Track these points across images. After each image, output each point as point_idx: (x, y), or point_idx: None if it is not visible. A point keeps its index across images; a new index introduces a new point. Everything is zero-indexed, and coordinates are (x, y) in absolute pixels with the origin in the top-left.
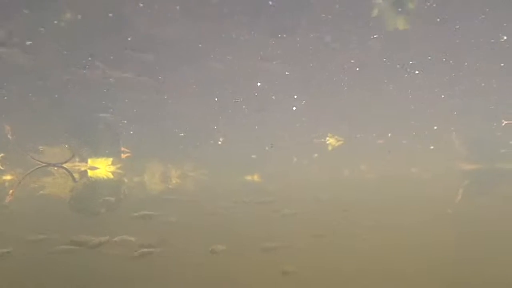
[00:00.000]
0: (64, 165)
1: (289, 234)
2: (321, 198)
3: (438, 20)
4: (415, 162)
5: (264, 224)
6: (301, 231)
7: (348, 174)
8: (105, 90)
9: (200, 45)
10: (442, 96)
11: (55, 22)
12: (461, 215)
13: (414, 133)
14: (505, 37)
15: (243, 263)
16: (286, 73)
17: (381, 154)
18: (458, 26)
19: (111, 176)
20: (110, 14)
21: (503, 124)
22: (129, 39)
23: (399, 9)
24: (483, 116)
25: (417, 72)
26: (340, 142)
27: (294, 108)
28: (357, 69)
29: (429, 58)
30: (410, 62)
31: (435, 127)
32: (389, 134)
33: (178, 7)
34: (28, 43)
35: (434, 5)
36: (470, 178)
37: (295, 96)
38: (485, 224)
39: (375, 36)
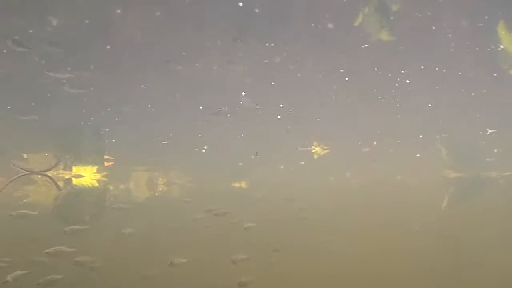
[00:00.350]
0: (48, 173)
1: (256, 246)
2: (301, 207)
3: (434, 28)
4: (401, 170)
5: (237, 235)
6: (269, 243)
7: (333, 183)
8: (85, 99)
9: (184, 54)
10: (429, 105)
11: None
12: (445, 221)
13: (398, 142)
14: (501, 46)
15: (201, 276)
16: (272, 83)
17: (367, 162)
18: (450, 35)
19: (96, 184)
20: (87, 21)
21: (488, 133)
22: (108, 47)
23: (391, 18)
24: (470, 125)
25: (408, 81)
26: (326, 151)
27: (279, 117)
28: (346, 78)
29: (422, 67)
30: (402, 72)
31: (421, 136)
32: (375, 143)
33: (159, 13)
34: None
35: (429, 13)
36: (455, 186)
37: (281, 105)
38: (469, 231)
39: (365, 45)
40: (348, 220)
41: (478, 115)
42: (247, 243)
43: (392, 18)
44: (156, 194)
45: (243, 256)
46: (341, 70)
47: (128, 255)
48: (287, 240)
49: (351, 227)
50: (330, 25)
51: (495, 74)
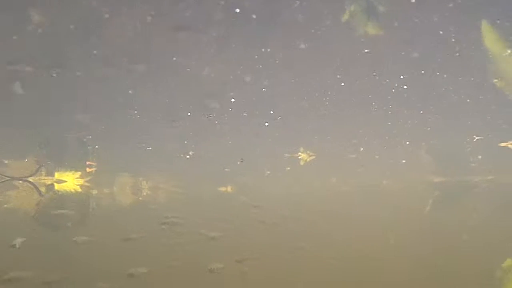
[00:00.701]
0: (30, 179)
1: (222, 257)
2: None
3: (441, 33)
4: (386, 176)
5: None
6: (233, 253)
7: (317, 189)
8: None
9: (174, 58)
10: (421, 112)
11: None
12: (430, 226)
13: (385, 148)
14: (508, 51)
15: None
16: (263, 90)
17: (352, 168)
18: (453, 40)
19: (79, 190)
20: (72, 26)
21: (474, 140)
22: (94, 52)
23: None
24: (459, 132)
25: (405, 87)
26: (312, 157)
27: (267, 124)
28: (342, 84)
29: (422, 72)
30: (401, 77)
31: (407, 142)
32: (361, 149)
33: (150, 18)
34: None
35: (435, 19)
36: (439, 190)
37: (271, 112)
38: (454, 235)
39: (366, 50)
40: (333, 226)
41: (469, 122)
42: (213, 252)
43: (395, 25)
44: (140, 199)
45: (219, 265)
46: (338, 76)
47: (82, 266)
48: (261, 247)
49: (335, 233)
50: (325, 32)
51: (495, 80)
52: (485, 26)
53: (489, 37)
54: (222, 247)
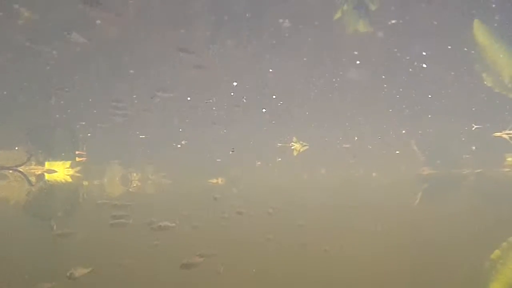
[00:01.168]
0: (20, 168)
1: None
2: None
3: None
4: (378, 167)
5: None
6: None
7: (307, 180)
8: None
9: (177, 45)
10: (429, 96)
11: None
12: (424, 218)
13: (379, 137)
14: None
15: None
16: (270, 70)
17: (345, 158)
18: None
19: (69, 180)
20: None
21: (473, 128)
22: (89, 39)
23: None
24: (460, 119)
25: (424, 65)
26: (306, 147)
27: (264, 110)
28: (358, 62)
29: (449, 47)
30: (423, 53)
31: (403, 131)
32: (356, 138)
33: (159, 4)
34: None
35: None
36: (429, 182)
37: (274, 96)
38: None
39: (393, 21)
40: (320, 219)
41: (474, 108)
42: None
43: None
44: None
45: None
46: (355, 54)
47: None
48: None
49: (323, 226)
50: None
51: (483, 74)
52: (476, 23)
53: (481, 33)
54: (199, 241)
